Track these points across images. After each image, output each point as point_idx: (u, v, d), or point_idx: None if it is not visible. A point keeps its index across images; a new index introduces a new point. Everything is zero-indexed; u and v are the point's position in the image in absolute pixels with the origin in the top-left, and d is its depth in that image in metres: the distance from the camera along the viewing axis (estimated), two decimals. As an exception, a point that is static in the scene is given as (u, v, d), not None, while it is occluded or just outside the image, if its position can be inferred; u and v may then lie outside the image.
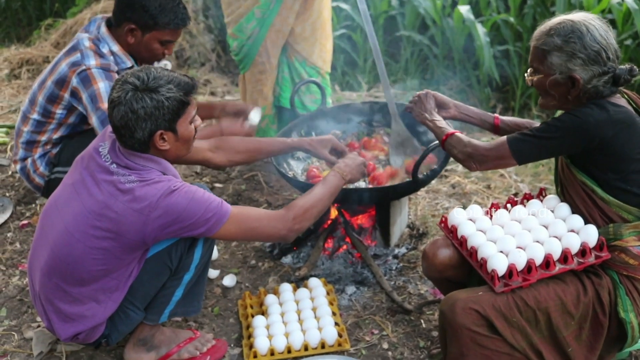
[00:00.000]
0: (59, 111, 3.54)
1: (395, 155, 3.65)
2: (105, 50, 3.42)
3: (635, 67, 2.56)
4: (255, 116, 3.52)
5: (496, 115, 3.11)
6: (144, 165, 2.62)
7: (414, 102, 3.13)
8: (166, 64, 3.50)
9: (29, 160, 3.68)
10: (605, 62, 2.52)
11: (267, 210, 2.79)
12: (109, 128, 2.74)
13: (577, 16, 2.58)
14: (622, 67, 2.55)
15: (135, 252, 2.68)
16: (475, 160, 2.73)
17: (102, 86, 3.34)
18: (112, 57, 3.44)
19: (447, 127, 2.90)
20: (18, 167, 3.77)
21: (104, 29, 3.44)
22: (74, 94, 3.42)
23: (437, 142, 3.00)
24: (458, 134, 2.82)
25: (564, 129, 2.52)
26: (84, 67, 3.36)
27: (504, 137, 2.66)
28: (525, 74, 2.72)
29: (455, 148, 2.80)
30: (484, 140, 4.74)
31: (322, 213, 2.90)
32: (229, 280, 3.57)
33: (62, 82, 3.45)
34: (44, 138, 3.63)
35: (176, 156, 2.72)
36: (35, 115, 3.59)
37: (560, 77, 2.57)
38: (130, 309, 2.83)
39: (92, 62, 3.36)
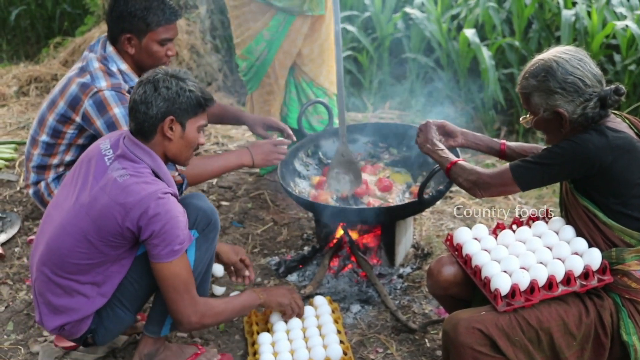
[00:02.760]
0: (69, 131, 3.51)
1: (334, 177, 3.75)
2: (114, 68, 3.42)
3: (621, 86, 2.60)
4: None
5: (503, 141, 3.14)
6: (139, 157, 2.68)
7: (417, 134, 3.17)
8: None
9: (42, 184, 3.65)
10: (585, 90, 2.56)
11: (193, 293, 2.76)
12: (116, 131, 2.86)
13: (548, 53, 2.65)
14: (606, 88, 2.59)
15: (118, 248, 2.72)
16: (479, 187, 2.78)
17: (118, 112, 3.33)
18: (120, 76, 3.42)
19: (450, 155, 2.96)
20: (31, 191, 3.73)
21: (110, 48, 3.44)
22: (85, 117, 3.40)
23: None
24: (461, 162, 2.87)
25: (564, 155, 2.57)
26: (95, 90, 3.34)
27: (507, 165, 2.71)
28: (521, 118, 2.79)
29: (460, 176, 2.85)
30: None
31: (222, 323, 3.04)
32: (234, 298, 3.58)
33: (74, 105, 3.42)
34: (55, 161, 3.60)
35: (174, 155, 2.78)
36: (44, 137, 3.56)
37: (546, 115, 2.64)
38: (117, 306, 2.85)
39: (103, 83, 3.36)
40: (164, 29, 3.39)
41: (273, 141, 3.54)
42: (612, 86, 2.60)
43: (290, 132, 3.76)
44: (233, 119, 4.03)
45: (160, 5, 3.37)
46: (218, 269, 3.77)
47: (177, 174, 3.20)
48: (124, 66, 3.44)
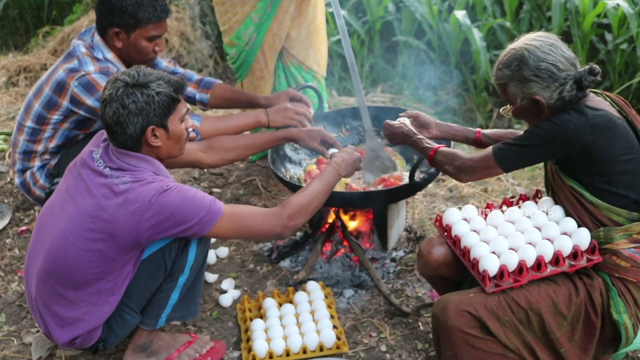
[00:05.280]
0: (54, 117, 3.49)
1: (367, 171, 3.67)
2: (100, 56, 3.39)
3: (595, 66, 2.58)
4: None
5: (478, 129, 3.16)
6: (136, 165, 2.64)
7: (386, 128, 3.21)
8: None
9: (28, 173, 3.65)
10: (559, 75, 2.55)
11: (261, 208, 2.79)
12: (103, 135, 2.78)
13: (519, 42, 2.64)
14: (580, 70, 2.58)
15: (130, 253, 2.69)
16: (464, 172, 2.79)
17: None
18: (107, 63, 3.42)
19: (430, 144, 2.96)
20: (18, 180, 3.72)
21: (97, 37, 3.41)
22: (75, 100, 3.37)
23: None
24: (442, 148, 2.89)
25: (544, 136, 2.56)
26: (83, 73, 3.32)
27: (490, 148, 2.71)
28: (501, 109, 2.78)
29: (444, 164, 2.85)
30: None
31: (317, 209, 2.93)
32: (227, 284, 3.58)
33: (60, 89, 3.41)
34: (40, 147, 3.59)
35: (168, 155, 2.74)
36: (29, 123, 3.55)
37: (524, 103, 2.63)
38: (126, 311, 2.84)
39: (91, 67, 3.34)
40: (153, 26, 3.35)
41: (290, 107, 3.56)
42: (586, 67, 2.59)
43: (309, 102, 3.73)
44: (247, 103, 3.90)
45: (151, 1, 3.33)
46: (210, 256, 3.77)
47: (191, 130, 3.18)
48: (110, 55, 3.41)
